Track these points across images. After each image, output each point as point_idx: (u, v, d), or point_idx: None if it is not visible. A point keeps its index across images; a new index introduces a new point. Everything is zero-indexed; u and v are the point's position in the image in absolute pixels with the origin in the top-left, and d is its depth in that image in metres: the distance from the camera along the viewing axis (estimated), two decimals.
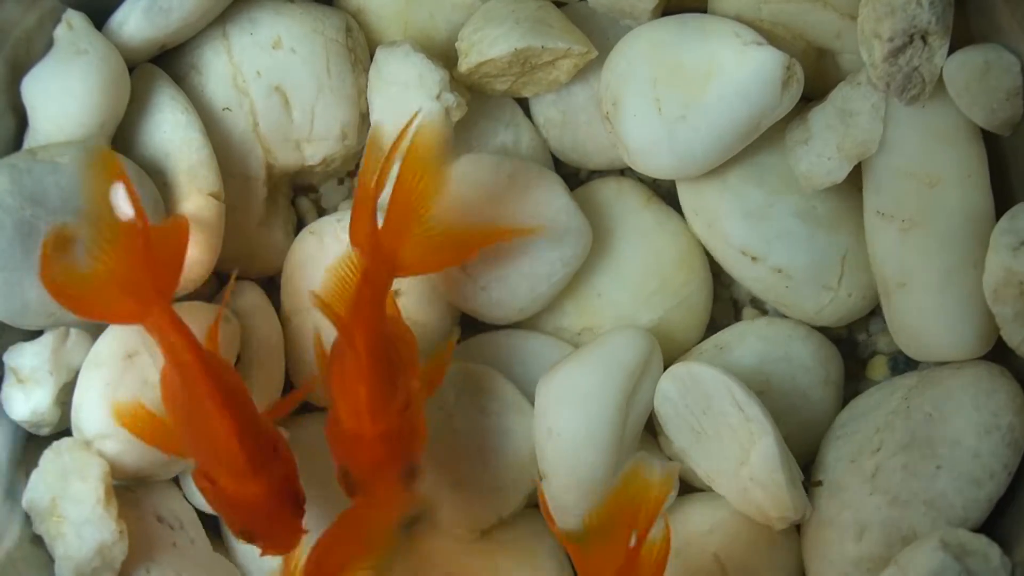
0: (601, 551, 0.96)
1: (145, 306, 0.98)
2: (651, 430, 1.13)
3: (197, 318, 1.11)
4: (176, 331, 0.98)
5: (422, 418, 1.01)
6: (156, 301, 0.98)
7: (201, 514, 1.12)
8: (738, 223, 1.13)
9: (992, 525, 1.05)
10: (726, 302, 1.22)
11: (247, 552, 1.11)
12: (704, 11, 1.16)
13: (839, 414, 1.15)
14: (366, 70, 1.19)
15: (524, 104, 1.23)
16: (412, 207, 1.02)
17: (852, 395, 1.17)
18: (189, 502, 1.12)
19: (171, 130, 1.13)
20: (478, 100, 1.19)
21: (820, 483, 1.11)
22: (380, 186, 1.01)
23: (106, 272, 0.98)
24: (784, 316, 1.18)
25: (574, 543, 0.98)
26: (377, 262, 1.00)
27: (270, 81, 1.17)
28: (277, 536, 0.98)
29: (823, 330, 1.17)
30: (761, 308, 1.21)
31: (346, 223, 1.16)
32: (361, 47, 1.21)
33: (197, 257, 1.12)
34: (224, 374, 0.99)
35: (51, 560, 1.04)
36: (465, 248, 1.06)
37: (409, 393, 0.99)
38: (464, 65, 1.15)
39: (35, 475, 1.05)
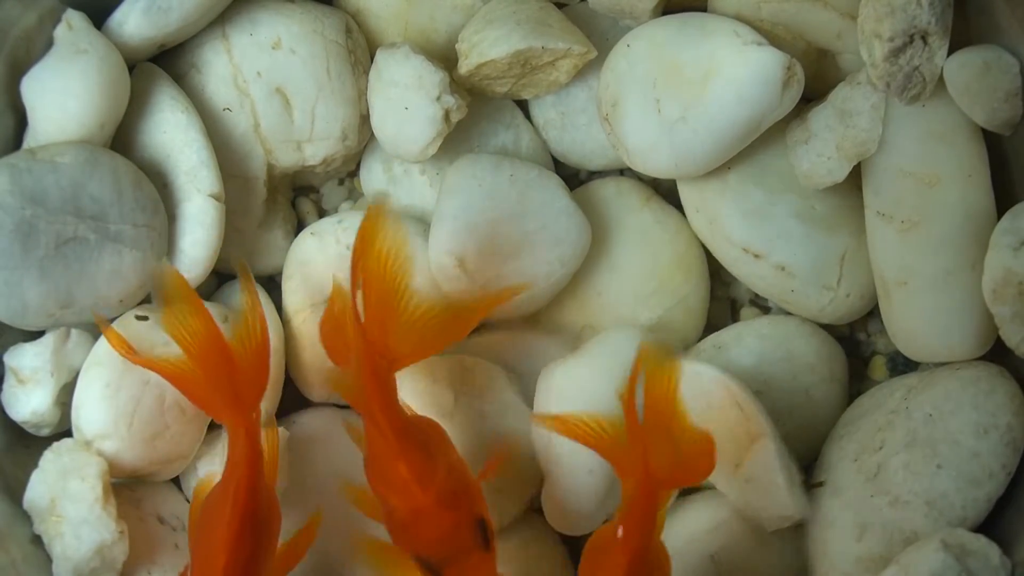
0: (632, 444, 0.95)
1: (230, 413, 0.99)
2: None
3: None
4: (246, 449, 0.97)
5: (471, 476, 0.99)
6: (241, 412, 0.98)
7: None
8: (739, 222, 1.13)
9: (991, 525, 1.05)
10: (724, 302, 1.22)
11: None
12: (704, 11, 1.16)
13: (843, 413, 1.15)
14: (366, 71, 1.19)
15: (524, 106, 1.23)
16: (387, 295, 0.99)
17: (856, 394, 1.17)
18: (190, 503, 1.12)
19: (171, 130, 1.13)
20: (478, 102, 1.19)
21: (822, 484, 1.11)
22: (354, 286, 0.98)
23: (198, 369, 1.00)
24: (788, 313, 1.17)
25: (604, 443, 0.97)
26: (370, 355, 0.97)
27: (271, 82, 1.17)
28: None
29: (825, 329, 1.17)
30: (763, 307, 1.21)
31: (346, 223, 1.16)
32: (361, 48, 1.21)
33: (198, 257, 1.13)
34: (258, 512, 0.96)
35: (51, 561, 1.04)
36: (461, 324, 1.02)
37: (449, 457, 0.97)
38: (464, 67, 1.15)
39: (35, 475, 1.05)
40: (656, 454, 0.94)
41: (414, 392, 1.11)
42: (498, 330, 1.17)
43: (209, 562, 0.93)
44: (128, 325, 1.09)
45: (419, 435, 0.97)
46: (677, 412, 0.96)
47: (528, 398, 1.13)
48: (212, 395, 0.99)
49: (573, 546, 1.16)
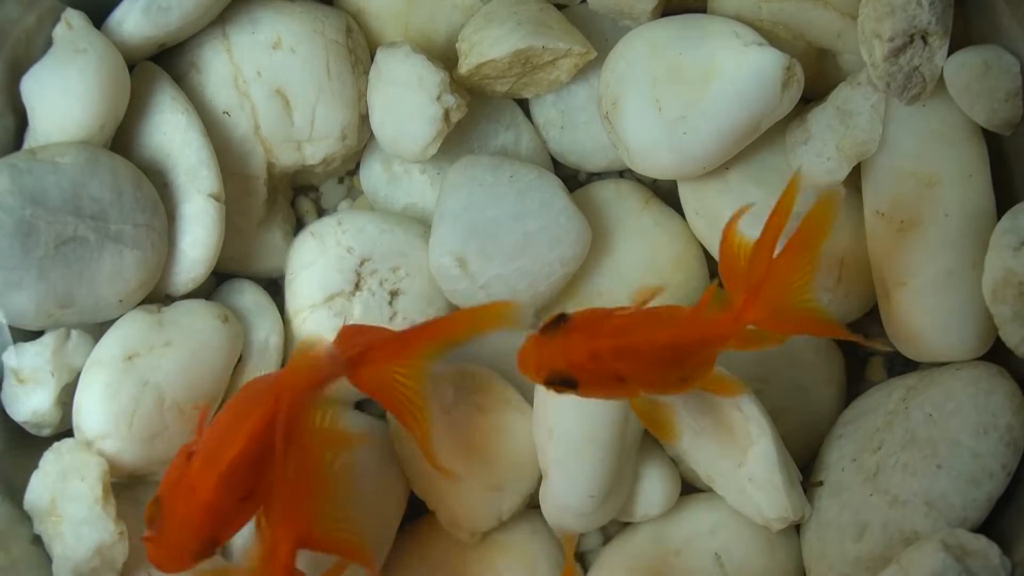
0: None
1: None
2: None
3: (197, 318, 1.12)
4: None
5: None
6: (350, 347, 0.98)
7: None
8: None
9: (991, 525, 1.05)
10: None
11: (248, 554, 1.11)
12: (704, 11, 1.17)
13: (842, 413, 1.15)
14: (366, 71, 1.19)
15: (524, 105, 1.23)
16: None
17: (854, 395, 1.17)
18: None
19: (171, 130, 1.13)
20: (478, 101, 1.19)
21: (821, 483, 1.11)
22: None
23: None
24: None
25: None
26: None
27: (270, 81, 1.17)
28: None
29: None
30: None
31: (346, 224, 1.16)
32: (361, 48, 1.21)
33: (197, 257, 1.13)
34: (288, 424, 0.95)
35: (51, 561, 1.04)
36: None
37: None
38: (464, 66, 1.15)
39: (35, 476, 1.05)
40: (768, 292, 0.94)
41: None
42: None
43: (222, 447, 0.92)
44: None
45: None
46: (813, 261, 0.95)
47: (528, 398, 1.13)
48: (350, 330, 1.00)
49: None
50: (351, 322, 1.12)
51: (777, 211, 0.95)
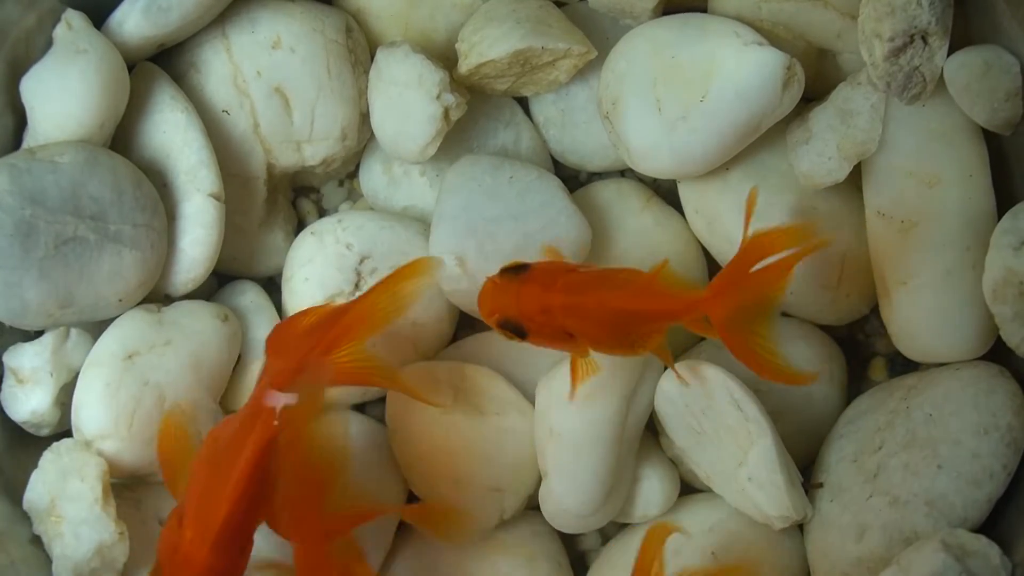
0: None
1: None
2: (653, 429, 1.13)
3: (197, 318, 1.12)
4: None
5: None
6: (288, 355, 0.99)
7: None
8: (739, 222, 1.13)
9: (992, 525, 1.05)
10: None
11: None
12: (704, 11, 1.16)
13: (843, 413, 1.15)
14: (366, 71, 1.19)
15: (524, 104, 1.23)
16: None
17: (855, 395, 1.17)
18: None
19: (171, 130, 1.13)
20: (478, 100, 1.19)
21: (821, 485, 1.11)
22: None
23: None
24: (786, 314, 1.17)
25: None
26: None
27: (270, 81, 1.17)
28: None
29: (824, 329, 1.17)
30: None
31: (346, 223, 1.16)
32: (361, 47, 1.21)
33: (197, 257, 1.13)
34: (270, 461, 0.95)
35: (51, 561, 1.04)
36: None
37: None
38: (464, 66, 1.15)
39: (35, 475, 1.05)
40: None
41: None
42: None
43: (209, 512, 0.92)
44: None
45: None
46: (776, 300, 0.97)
47: (528, 398, 1.13)
48: (278, 333, 1.02)
49: (571, 542, 1.16)
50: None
51: (771, 234, 0.97)
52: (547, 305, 0.97)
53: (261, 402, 0.97)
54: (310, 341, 1.00)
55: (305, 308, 1.06)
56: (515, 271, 0.99)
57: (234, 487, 0.92)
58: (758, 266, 0.97)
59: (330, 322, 1.01)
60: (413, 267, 1.02)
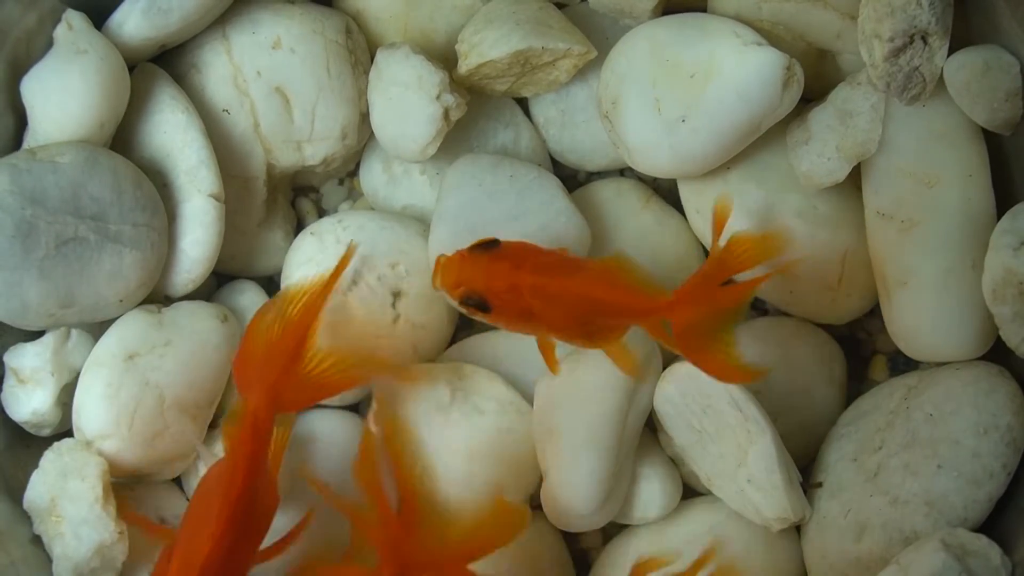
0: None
1: (245, 390, 0.99)
2: (653, 429, 1.13)
3: (198, 318, 1.12)
4: (251, 431, 0.97)
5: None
6: (255, 390, 0.98)
7: None
8: (740, 222, 1.13)
9: (992, 525, 1.05)
10: None
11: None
12: (704, 11, 1.17)
13: (843, 413, 1.15)
14: (366, 71, 1.19)
15: (524, 104, 1.23)
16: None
17: (856, 394, 1.17)
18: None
19: (172, 130, 1.13)
20: (478, 100, 1.19)
21: (820, 485, 1.11)
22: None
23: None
24: (787, 314, 1.17)
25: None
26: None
27: (270, 81, 1.17)
28: None
29: (825, 329, 1.17)
30: (762, 308, 1.21)
31: (346, 223, 1.16)
32: (361, 48, 1.21)
33: (197, 257, 1.13)
34: (252, 500, 0.96)
35: (51, 561, 1.04)
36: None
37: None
38: (464, 67, 1.15)
39: (35, 475, 1.05)
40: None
41: (416, 392, 1.11)
42: (497, 330, 1.17)
43: (193, 548, 0.92)
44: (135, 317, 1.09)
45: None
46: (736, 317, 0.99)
47: (527, 398, 1.12)
48: (241, 368, 1.00)
49: (574, 544, 1.16)
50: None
51: (744, 243, 0.99)
52: (516, 283, 0.97)
53: (244, 442, 0.97)
54: (275, 366, 1.00)
55: (250, 327, 1.05)
56: (485, 247, 0.99)
57: (216, 524, 0.92)
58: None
59: (286, 339, 1.01)
60: (345, 257, 1.05)
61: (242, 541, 0.94)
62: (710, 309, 0.96)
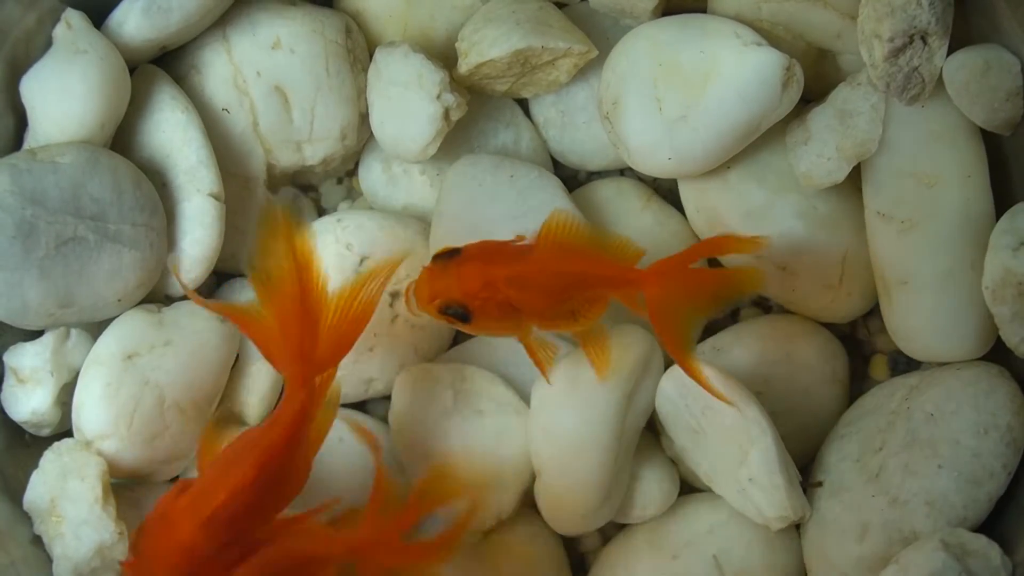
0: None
1: (291, 368, 0.96)
2: (653, 429, 1.13)
3: (197, 318, 1.11)
4: (295, 408, 0.95)
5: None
6: (303, 370, 0.96)
7: None
8: (739, 222, 1.14)
9: (992, 525, 1.05)
10: None
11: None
12: (704, 11, 1.17)
13: (845, 413, 1.15)
14: (365, 70, 1.19)
15: (524, 104, 1.23)
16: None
17: (857, 393, 1.17)
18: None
19: (171, 130, 1.13)
20: (478, 100, 1.19)
21: (820, 484, 1.11)
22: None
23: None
24: (788, 312, 1.18)
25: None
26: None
27: (270, 81, 1.17)
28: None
29: (826, 328, 1.17)
30: (763, 307, 1.21)
31: (345, 222, 1.16)
32: (361, 48, 1.21)
33: (197, 256, 1.13)
34: (283, 474, 0.95)
35: (51, 561, 1.04)
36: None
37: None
38: (464, 66, 1.15)
39: (35, 475, 1.05)
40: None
41: (414, 392, 1.11)
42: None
43: (209, 492, 0.91)
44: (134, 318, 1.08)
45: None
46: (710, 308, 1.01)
47: (525, 398, 1.12)
48: (280, 346, 0.97)
49: (571, 544, 1.16)
50: None
51: (728, 237, 1.01)
52: (490, 278, 0.96)
53: (289, 409, 0.95)
54: (300, 335, 0.97)
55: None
56: (448, 256, 0.98)
57: (240, 476, 0.91)
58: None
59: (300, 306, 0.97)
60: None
61: (261, 502, 0.93)
62: (684, 287, 0.98)
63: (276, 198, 1.10)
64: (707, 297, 0.99)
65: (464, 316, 0.98)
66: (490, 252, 0.99)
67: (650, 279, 0.98)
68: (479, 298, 0.97)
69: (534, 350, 1.03)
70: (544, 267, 0.97)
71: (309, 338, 0.96)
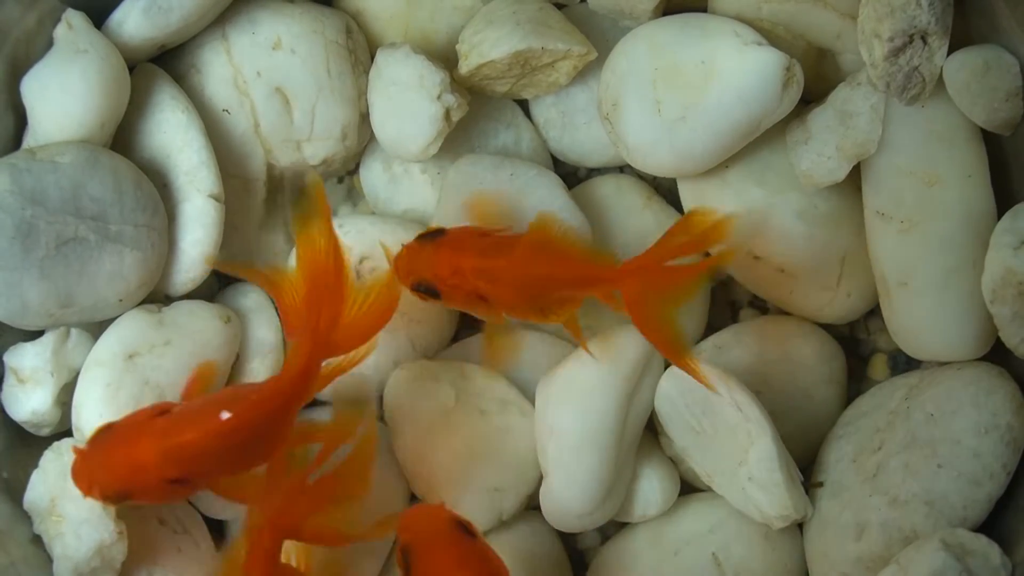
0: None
1: (302, 336, 0.99)
2: (652, 429, 1.13)
3: (198, 318, 1.12)
4: (292, 377, 0.98)
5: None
6: (311, 343, 0.98)
7: (206, 518, 1.11)
8: (739, 222, 1.13)
9: (992, 525, 1.05)
10: (724, 304, 1.22)
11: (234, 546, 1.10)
12: (704, 11, 1.17)
13: (843, 413, 1.15)
14: (366, 71, 1.19)
15: (524, 105, 1.23)
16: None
17: (856, 394, 1.17)
18: (194, 506, 1.11)
19: (171, 130, 1.13)
20: (478, 101, 1.19)
21: (821, 484, 1.11)
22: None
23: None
24: (787, 313, 1.18)
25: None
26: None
27: (270, 81, 1.17)
28: None
29: (824, 328, 1.17)
30: (762, 308, 1.21)
31: (347, 227, 1.16)
32: (361, 48, 1.21)
33: (197, 257, 1.13)
34: (257, 431, 0.97)
35: (51, 561, 1.04)
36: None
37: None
38: (464, 67, 1.15)
39: (35, 475, 1.05)
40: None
41: (416, 391, 1.11)
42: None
43: (179, 427, 0.94)
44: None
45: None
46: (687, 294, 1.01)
47: (529, 398, 1.13)
48: (299, 314, 1.00)
49: (569, 540, 1.16)
50: None
51: (698, 221, 1.01)
52: (458, 267, 1.00)
53: (286, 376, 0.98)
54: (321, 313, 1.00)
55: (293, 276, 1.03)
56: (431, 236, 1.03)
57: (214, 422, 0.94)
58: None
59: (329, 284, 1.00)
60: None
61: (227, 455, 0.96)
62: (659, 283, 0.99)
63: (311, 175, 1.11)
64: (686, 285, 1.01)
65: (434, 294, 1.02)
66: (468, 240, 1.02)
67: (625, 275, 0.99)
68: (448, 283, 1.01)
69: (491, 337, 1.07)
70: (516, 266, 0.99)
71: (328, 317, 0.99)
